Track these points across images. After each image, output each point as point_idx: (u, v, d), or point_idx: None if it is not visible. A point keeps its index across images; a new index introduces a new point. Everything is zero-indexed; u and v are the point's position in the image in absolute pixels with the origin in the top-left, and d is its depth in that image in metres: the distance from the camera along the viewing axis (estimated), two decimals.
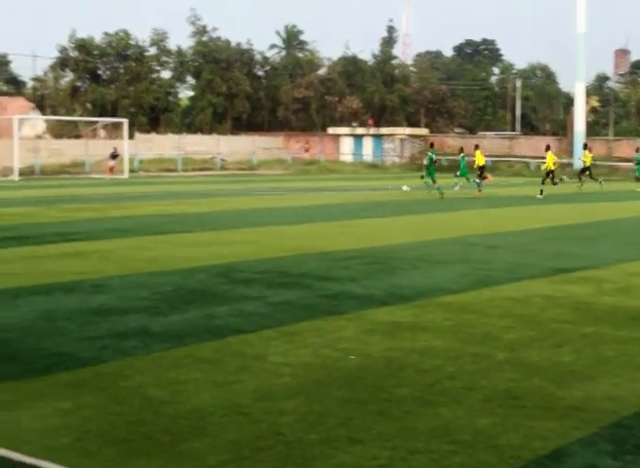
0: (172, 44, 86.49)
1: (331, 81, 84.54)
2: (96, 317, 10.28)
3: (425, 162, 36.21)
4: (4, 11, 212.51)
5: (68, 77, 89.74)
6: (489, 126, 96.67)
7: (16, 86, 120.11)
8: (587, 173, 44.72)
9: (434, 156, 36.30)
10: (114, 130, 69.40)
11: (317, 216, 25.11)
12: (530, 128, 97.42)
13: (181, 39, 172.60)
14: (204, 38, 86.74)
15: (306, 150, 79.41)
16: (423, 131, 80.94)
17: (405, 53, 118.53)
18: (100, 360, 8.27)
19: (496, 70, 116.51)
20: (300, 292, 12.12)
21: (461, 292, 12.20)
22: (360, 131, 78.83)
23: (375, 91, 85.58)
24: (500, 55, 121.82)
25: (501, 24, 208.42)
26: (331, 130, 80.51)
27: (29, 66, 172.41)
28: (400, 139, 76.61)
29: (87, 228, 21.11)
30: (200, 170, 66.24)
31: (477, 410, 6.80)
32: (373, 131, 78.55)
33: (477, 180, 39.70)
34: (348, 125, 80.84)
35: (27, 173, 57.22)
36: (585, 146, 47.30)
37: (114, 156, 55.53)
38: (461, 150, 43.59)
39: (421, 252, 16.88)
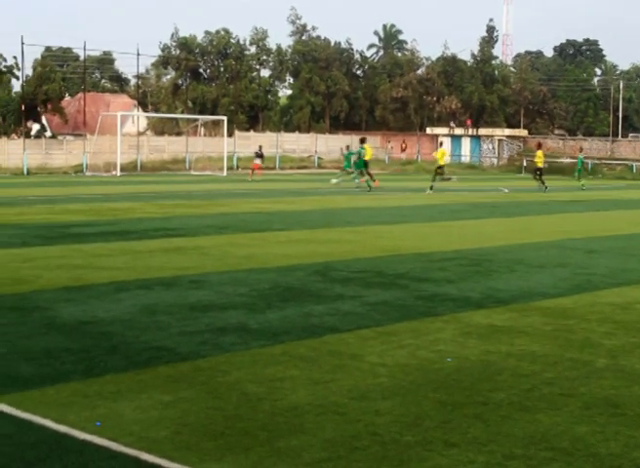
0: (272, 43, 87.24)
1: (429, 81, 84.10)
2: (195, 312, 10.44)
3: (354, 157, 40.52)
4: (110, 10, 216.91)
5: (170, 75, 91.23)
6: (590, 128, 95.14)
7: (119, 83, 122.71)
8: (538, 173, 43.31)
9: (362, 151, 40.28)
10: (214, 127, 70.29)
11: (414, 217, 25.04)
12: (632, 130, 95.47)
13: (281, 38, 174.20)
14: (303, 37, 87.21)
15: (403, 150, 79.23)
16: (523, 132, 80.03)
17: (505, 53, 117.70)
18: (199, 355, 8.39)
19: (598, 71, 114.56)
20: (396, 292, 12.11)
21: (560, 297, 12.03)
22: (458, 131, 78.32)
23: (474, 91, 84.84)
24: (603, 55, 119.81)
25: (605, 24, 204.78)
26: (429, 130, 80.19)
27: (133, 64, 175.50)
28: (499, 140, 75.87)
29: (186, 224, 21.44)
30: (298, 168, 66.62)
31: (576, 418, 6.71)
32: (471, 131, 77.95)
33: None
34: (446, 125, 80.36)
35: (129, 168, 58.33)
36: (539, 146, 46.28)
37: (259, 155, 53.45)
38: (347, 148, 46.22)
39: (519, 254, 16.70)
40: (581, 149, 48.76)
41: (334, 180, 42.36)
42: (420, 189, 40.20)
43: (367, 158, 41.40)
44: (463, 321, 10.24)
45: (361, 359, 8.34)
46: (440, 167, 40.46)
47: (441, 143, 45.56)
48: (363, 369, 8.00)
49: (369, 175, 40.29)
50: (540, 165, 43.47)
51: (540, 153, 43.86)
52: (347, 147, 47.57)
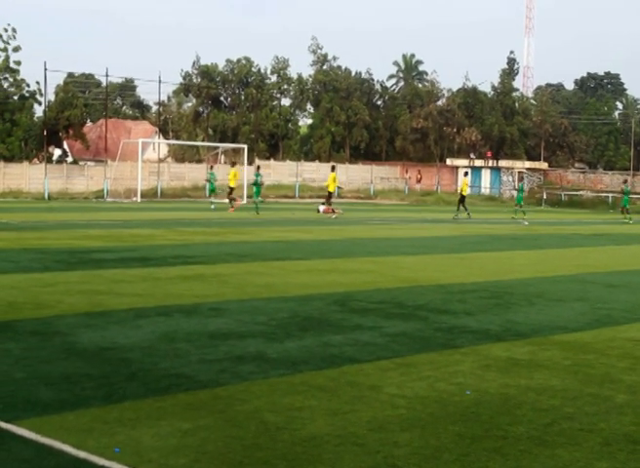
0: (293, 72, 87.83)
1: (450, 112, 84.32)
2: (214, 340, 10.45)
3: (252, 182, 44.13)
4: (132, 37, 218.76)
5: (191, 102, 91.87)
6: (610, 162, 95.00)
7: (141, 110, 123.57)
8: (462, 202, 44.94)
9: (258, 178, 44.71)
10: (234, 155, 70.59)
11: (434, 248, 25.03)
12: None
13: (302, 67, 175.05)
14: (324, 67, 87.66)
15: (418, 180, 79.29)
16: (543, 164, 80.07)
17: (525, 85, 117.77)
18: (218, 383, 8.40)
19: (619, 105, 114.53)
20: (415, 323, 12.10)
21: (580, 331, 11.98)
22: (478, 163, 78.35)
23: (494, 123, 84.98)
24: (624, 89, 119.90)
25: (626, 58, 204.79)
26: (449, 161, 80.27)
27: (154, 91, 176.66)
28: (519, 172, 75.83)
29: (206, 252, 21.51)
30: (317, 197, 66.74)
31: (596, 454, 6.67)
32: (491, 163, 77.97)
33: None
34: (466, 156, 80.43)
35: (150, 195, 58.65)
36: (466, 174, 48.43)
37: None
38: (258, 168, 48.23)
39: (538, 288, 16.65)
40: (626, 181, 49.48)
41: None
42: (440, 220, 40.24)
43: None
44: (482, 353, 10.21)
45: (380, 390, 8.33)
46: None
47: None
48: (382, 400, 7.99)
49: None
50: (465, 193, 45.26)
51: (465, 181, 46.24)
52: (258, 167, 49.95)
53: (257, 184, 44.20)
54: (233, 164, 50.45)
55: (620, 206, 47.25)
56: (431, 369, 9.30)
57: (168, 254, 20.51)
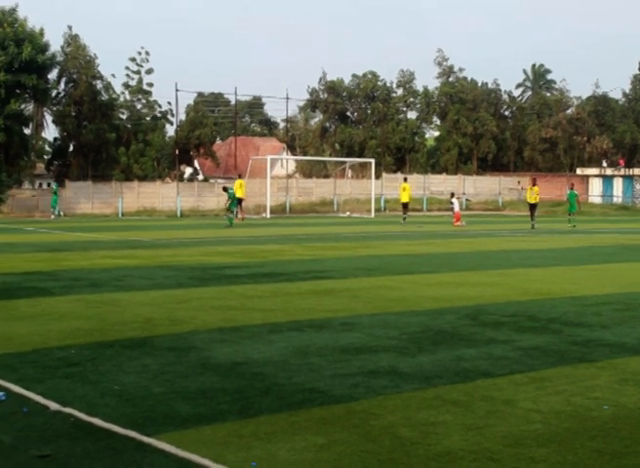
0: (418, 85, 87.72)
1: (579, 120, 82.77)
2: (346, 354, 10.50)
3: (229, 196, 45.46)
4: (259, 55, 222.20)
5: (318, 118, 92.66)
6: None
7: (268, 127, 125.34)
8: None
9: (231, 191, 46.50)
10: (361, 170, 70.88)
11: (565, 259, 24.60)
12: None
13: (428, 80, 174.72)
14: (450, 78, 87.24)
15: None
16: None
17: None
18: (352, 397, 8.44)
19: None
20: (549, 337, 11.91)
21: None
22: (610, 171, 76.64)
23: (626, 130, 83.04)
24: None
25: None
26: (579, 170, 78.77)
27: (282, 108, 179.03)
28: None
29: (335, 266, 21.63)
30: (445, 210, 66.40)
31: None
32: (623, 171, 76.17)
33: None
34: (598, 165, 78.78)
35: (278, 211, 59.37)
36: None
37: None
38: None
39: None
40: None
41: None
42: (569, 231, 39.59)
43: (239, 195, 48.52)
44: (620, 367, 9.98)
45: (515, 404, 8.23)
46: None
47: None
48: (517, 414, 7.89)
49: (229, 211, 45.06)
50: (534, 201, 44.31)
51: (406, 186, 47.94)
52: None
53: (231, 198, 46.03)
54: (239, 175, 54.16)
55: None
56: (567, 383, 9.14)
57: (298, 270, 20.71)
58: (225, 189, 46.49)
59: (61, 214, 55.62)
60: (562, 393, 8.70)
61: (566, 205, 50.14)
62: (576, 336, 11.95)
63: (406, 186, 48.47)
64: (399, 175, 74.12)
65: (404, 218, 47.03)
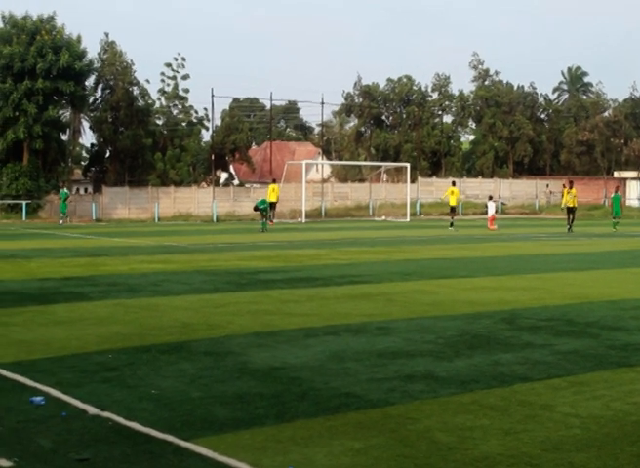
0: (454, 88, 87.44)
1: (617, 123, 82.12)
2: (382, 359, 10.49)
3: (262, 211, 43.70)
4: (295, 61, 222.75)
5: (353, 122, 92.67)
6: None
7: (304, 132, 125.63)
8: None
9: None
10: (396, 174, 70.80)
11: (603, 263, 24.40)
12: None
13: (463, 84, 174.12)
14: (486, 82, 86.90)
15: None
16: None
17: None
18: (388, 402, 8.43)
19: None
20: (587, 341, 11.82)
21: None
22: None
23: None
24: None
25: None
26: (616, 173, 78.15)
27: (317, 113, 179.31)
28: None
29: (371, 271, 21.61)
30: (481, 213, 66.11)
31: None
32: None
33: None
34: (636, 168, 78.12)
35: (314, 215, 59.38)
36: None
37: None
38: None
39: None
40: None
41: None
42: (607, 235, 39.31)
43: (272, 199, 48.32)
44: None
45: (553, 409, 8.18)
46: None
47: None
48: (555, 419, 7.84)
49: (263, 216, 44.00)
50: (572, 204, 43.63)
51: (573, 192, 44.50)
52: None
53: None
54: (274, 180, 53.81)
55: None
56: (605, 387, 9.07)
57: (333, 274, 20.71)
58: (256, 208, 44.63)
59: (69, 219, 54.89)
60: (601, 398, 8.63)
61: (605, 208, 49.62)
62: (614, 341, 11.86)
63: (454, 190, 47.99)
64: (434, 180, 73.96)
65: (451, 224, 45.90)
